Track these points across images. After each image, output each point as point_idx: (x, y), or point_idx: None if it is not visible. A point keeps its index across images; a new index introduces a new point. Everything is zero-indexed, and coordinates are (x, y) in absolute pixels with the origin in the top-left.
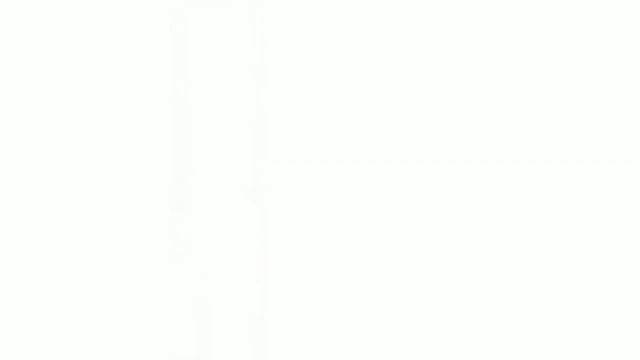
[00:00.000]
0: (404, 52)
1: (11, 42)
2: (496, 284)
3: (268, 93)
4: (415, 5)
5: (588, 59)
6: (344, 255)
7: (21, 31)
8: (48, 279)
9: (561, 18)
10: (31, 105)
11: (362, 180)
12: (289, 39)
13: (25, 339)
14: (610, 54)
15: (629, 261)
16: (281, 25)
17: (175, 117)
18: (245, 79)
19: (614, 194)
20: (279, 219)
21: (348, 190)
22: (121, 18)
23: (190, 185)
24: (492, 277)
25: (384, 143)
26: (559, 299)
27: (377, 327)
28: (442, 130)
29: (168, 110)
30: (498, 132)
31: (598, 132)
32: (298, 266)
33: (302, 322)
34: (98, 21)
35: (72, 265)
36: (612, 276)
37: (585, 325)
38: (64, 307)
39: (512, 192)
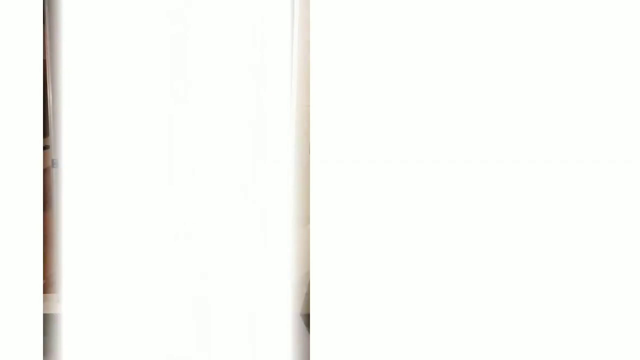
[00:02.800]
0: (404, 52)
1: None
2: (496, 284)
3: (268, 93)
4: (415, 5)
5: (588, 59)
6: (344, 254)
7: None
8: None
9: (561, 18)
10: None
11: (361, 180)
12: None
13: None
14: (610, 54)
15: (629, 261)
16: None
17: (174, 117)
18: (245, 79)
19: (614, 194)
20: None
21: (348, 190)
22: (121, 18)
23: (190, 184)
24: (492, 277)
25: (383, 143)
26: (558, 298)
27: (377, 327)
28: (442, 130)
29: (168, 111)
30: (498, 132)
31: (598, 132)
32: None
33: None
34: (98, 21)
35: (72, 264)
36: (612, 276)
37: (585, 325)
38: (64, 306)
39: (512, 192)
